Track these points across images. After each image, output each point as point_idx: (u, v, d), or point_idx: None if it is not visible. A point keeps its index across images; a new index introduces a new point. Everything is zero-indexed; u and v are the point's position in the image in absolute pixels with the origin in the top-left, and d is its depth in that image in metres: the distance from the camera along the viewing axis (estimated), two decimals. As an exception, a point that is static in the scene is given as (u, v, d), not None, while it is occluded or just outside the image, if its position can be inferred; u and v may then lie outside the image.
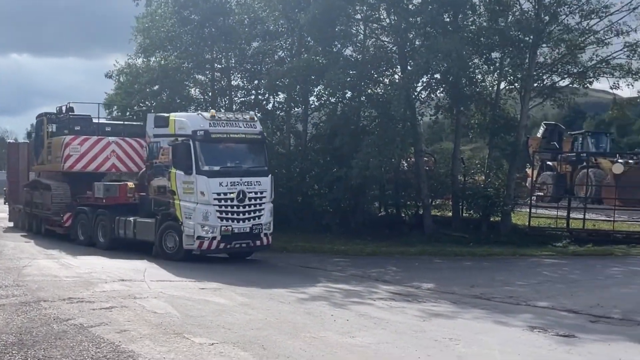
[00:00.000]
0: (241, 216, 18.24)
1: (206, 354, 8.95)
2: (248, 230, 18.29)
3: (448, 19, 23.27)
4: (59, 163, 22.99)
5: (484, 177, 25.22)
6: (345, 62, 24.26)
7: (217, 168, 18.37)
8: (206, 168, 18.13)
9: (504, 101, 25.98)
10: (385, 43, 25.53)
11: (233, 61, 27.49)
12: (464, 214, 24.82)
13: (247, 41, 26.63)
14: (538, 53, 24.33)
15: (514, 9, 23.91)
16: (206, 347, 9.23)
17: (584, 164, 29.45)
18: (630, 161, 29.85)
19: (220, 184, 18.00)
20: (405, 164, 26.38)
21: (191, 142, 18.09)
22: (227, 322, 10.79)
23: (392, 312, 12.04)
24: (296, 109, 27.68)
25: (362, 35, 25.76)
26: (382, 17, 24.90)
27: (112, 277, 15.11)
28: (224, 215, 17.99)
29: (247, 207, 18.28)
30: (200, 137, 18.12)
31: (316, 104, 26.97)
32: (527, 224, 23.08)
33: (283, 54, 26.86)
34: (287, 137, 27.40)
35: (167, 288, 13.89)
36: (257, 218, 18.45)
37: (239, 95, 28.09)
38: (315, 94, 26.38)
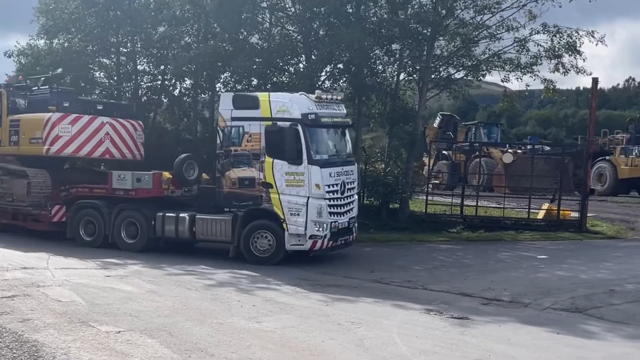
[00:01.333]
0: (343, 209, 16.26)
1: (113, 342, 8.85)
2: (347, 224, 16.38)
3: (350, 10, 23.48)
4: (36, 145, 18.98)
5: (384, 166, 25.74)
6: (252, 50, 24.12)
7: (326, 157, 16.24)
8: (318, 157, 15.82)
9: (403, 92, 26.54)
10: (291, 32, 25.55)
11: (139, 45, 26.76)
12: (365, 201, 25.27)
13: (153, 26, 25.99)
14: (435, 46, 24.94)
15: (413, 2, 24.32)
16: (113, 335, 9.12)
17: (477, 153, 30.57)
18: (519, 151, 31.27)
19: (330, 174, 15.82)
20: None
21: (300, 128, 15.63)
22: (134, 309, 10.67)
23: (297, 297, 12.22)
24: (203, 96, 27.31)
25: (268, 24, 25.66)
26: (287, 6, 24.93)
27: (14, 265, 14.54)
28: (331, 209, 15.84)
29: (346, 199, 16.38)
30: (310, 121, 15.75)
31: (223, 90, 26.73)
32: (424, 210, 23.75)
33: (190, 40, 26.39)
34: (194, 123, 27.07)
35: (72, 276, 13.51)
36: (352, 210, 16.68)
37: (145, 80, 27.43)
38: (222, 80, 26.08)
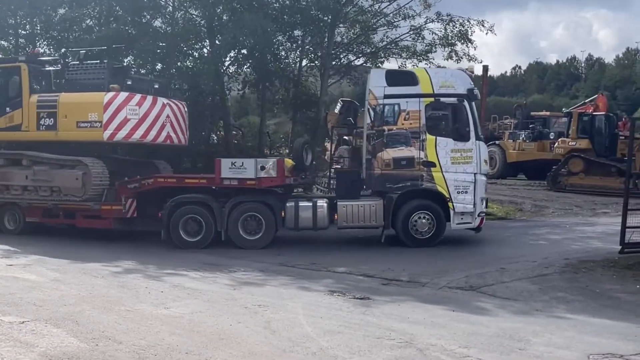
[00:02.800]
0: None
1: (17, 332, 8.55)
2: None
3: (254, -4, 23.48)
4: (88, 130, 16.46)
5: (287, 151, 25.89)
6: (155, 34, 23.71)
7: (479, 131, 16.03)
8: (480, 133, 15.77)
9: (305, 78, 26.81)
10: (194, 16, 25.23)
11: (38, 28, 25.74)
12: (269, 185, 25.34)
13: (53, 7, 25.01)
14: (336, 33, 25.29)
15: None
16: (16, 326, 8.80)
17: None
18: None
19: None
20: (215, 138, 26.38)
21: (466, 103, 15.29)
22: (38, 298, 10.33)
23: (205, 282, 12.16)
24: (105, 79, 26.49)
25: (171, 7, 25.24)
26: (190, -11, 24.63)
27: None
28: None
29: None
30: (474, 96, 15.47)
31: (124, 74, 26.03)
32: (326, 193, 23.98)
33: (91, 23, 25.59)
34: (98, 107, 26.23)
35: (-30, 265, 12.97)
36: None
37: (45, 63, 26.38)
38: (125, 64, 25.44)
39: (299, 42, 25.60)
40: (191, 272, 12.96)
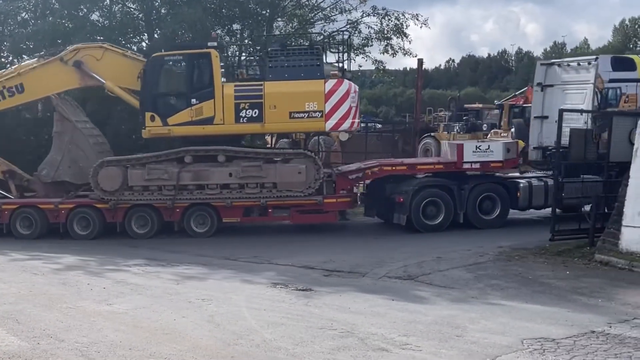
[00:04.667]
0: None
1: (-45, 333, 8.31)
2: None
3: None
4: (304, 121, 15.79)
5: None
6: (93, 27, 23.15)
7: None
8: None
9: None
10: (132, 10, 24.74)
11: (-30, 20, 24.78)
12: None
13: (-14, 0, 24.17)
14: (274, 26, 25.19)
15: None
16: (-46, 326, 8.56)
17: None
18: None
19: None
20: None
21: None
22: (-24, 298, 10.06)
23: (147, 277, 12.02)
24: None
25: (108, 1, 24.68)
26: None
27: None
28: None
29: None
30: None
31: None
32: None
33: (27, 16, 24.70)
34: (35, 102, 25.44)
35: None
36: None
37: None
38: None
39: (238, 35, 25.43)
40: (133, 268, 12.80)
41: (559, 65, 17.90)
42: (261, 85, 15.95)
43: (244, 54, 25.76)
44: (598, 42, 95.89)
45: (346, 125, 16.00)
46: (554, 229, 14.33)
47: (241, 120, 15.90)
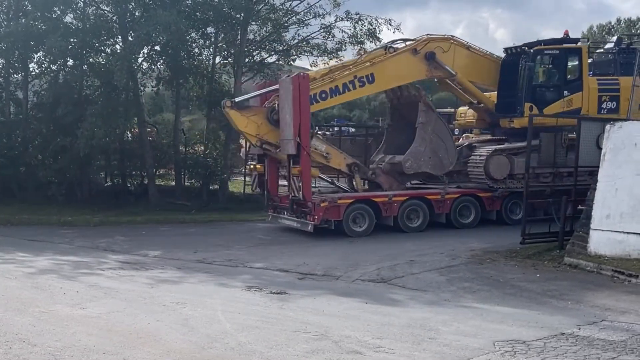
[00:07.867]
0: None
1: None
2: None
3: (166, -8, 23.02)
4: None
5: (203, 148, 25.59)
6: (66, 30, 22.90)
7: None
8: None
9: (219, 75, 26.52)
10: (106, 12, 24.51)
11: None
12: (186, 183, 25.05)
13: (-43, 1, 23.80)
14: (248, 30, 25.17)
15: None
16: None
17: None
18: (327, 133, 32.24)
19: None
20: (130, 135, 25.82)
21: None
22: (-54, 302, 9.87)
23: (121, 281, 11.91)
24: (15, 76, 25.41)
25: (82, 3, 24.45)
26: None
27: None
28: None
29: None
30: None
31: (37, 71, 25.10)
32: (242, 191, 23.93)
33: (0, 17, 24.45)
34: (7, 104, 25.11)
35: None
36: None
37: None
38: (35, 60, 24.50)
39: (212, 39, 25.36)
40: (107, 271, 12.68)
41: None
42: (617, 79, 17.75)
43: (218, 57, 25.77)
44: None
45: None
46: (524, 232, 14.49)
47: (602, 111, 17.39)
